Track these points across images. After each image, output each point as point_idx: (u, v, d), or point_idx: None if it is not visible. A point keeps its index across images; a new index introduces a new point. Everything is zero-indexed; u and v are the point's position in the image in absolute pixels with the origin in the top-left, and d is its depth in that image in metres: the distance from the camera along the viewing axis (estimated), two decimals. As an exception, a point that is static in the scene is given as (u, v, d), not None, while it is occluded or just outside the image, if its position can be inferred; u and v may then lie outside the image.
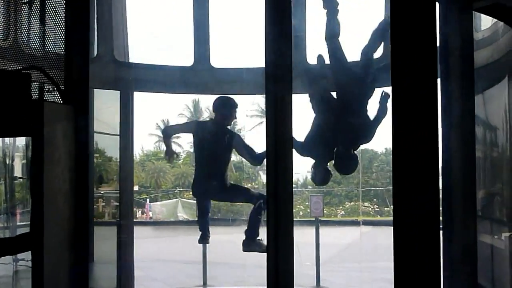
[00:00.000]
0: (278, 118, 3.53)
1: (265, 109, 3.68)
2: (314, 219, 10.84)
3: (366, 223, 22.57)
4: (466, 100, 3.41)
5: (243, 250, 6.61)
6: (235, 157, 39.98)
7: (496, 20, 4.66)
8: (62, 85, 3.69)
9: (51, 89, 3.77)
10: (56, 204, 3.54)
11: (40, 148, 3.42)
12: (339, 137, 6.36)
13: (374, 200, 31.47)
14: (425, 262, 2.53)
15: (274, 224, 3.42)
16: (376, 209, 30.72)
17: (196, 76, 7.56)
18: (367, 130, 6.44)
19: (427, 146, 2.52)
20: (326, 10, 6.41)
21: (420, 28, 2.51)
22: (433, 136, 2.53)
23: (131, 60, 7.53)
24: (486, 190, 4.99)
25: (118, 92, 7.26)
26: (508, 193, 4.90)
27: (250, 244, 6.53)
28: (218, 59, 7.73)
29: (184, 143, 48.59)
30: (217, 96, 6.95)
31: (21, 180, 7.26)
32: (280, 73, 3.59)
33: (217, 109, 6.82)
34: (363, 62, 6.42)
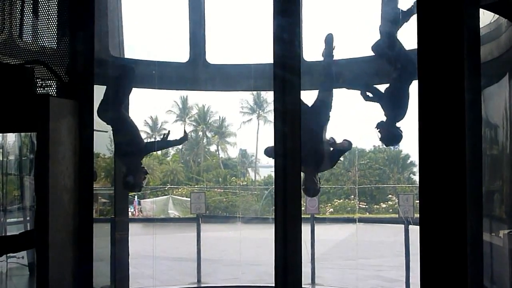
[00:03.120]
0: (286, 110, 3.50)
1: (273, 100, 3.63)
2: (309, 216, 10.78)
3: (352, 220, 22.60)
4: (473, 98, 3.39)
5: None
6: (223, 155, 39.70)
7: (497, 17, 4.65)
8: (66, 80, 3.64)
9: (43, 84, 3.72)
10: (61, 200, 3.49)
11: (45, 144, 3.37)
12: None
13: (363, 198, 31.61)
14: (451, 263, 2.51)
15: (282, 219, 3.40)
16: (363, 206, 30.86)
17: (191, 72, 7.54)
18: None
19: (453, 146, 2.50)
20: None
21: (446, 25, 2.50)
22: (460, 135, 2.51)
23: (126, 56, 7.48)
24: (485, 188, 4.99)
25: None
26: (508, 191, 4.92)
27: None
28: (214, 55, 7.71)
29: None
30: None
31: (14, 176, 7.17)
32: (288, 63, 3.57)
33: None
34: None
